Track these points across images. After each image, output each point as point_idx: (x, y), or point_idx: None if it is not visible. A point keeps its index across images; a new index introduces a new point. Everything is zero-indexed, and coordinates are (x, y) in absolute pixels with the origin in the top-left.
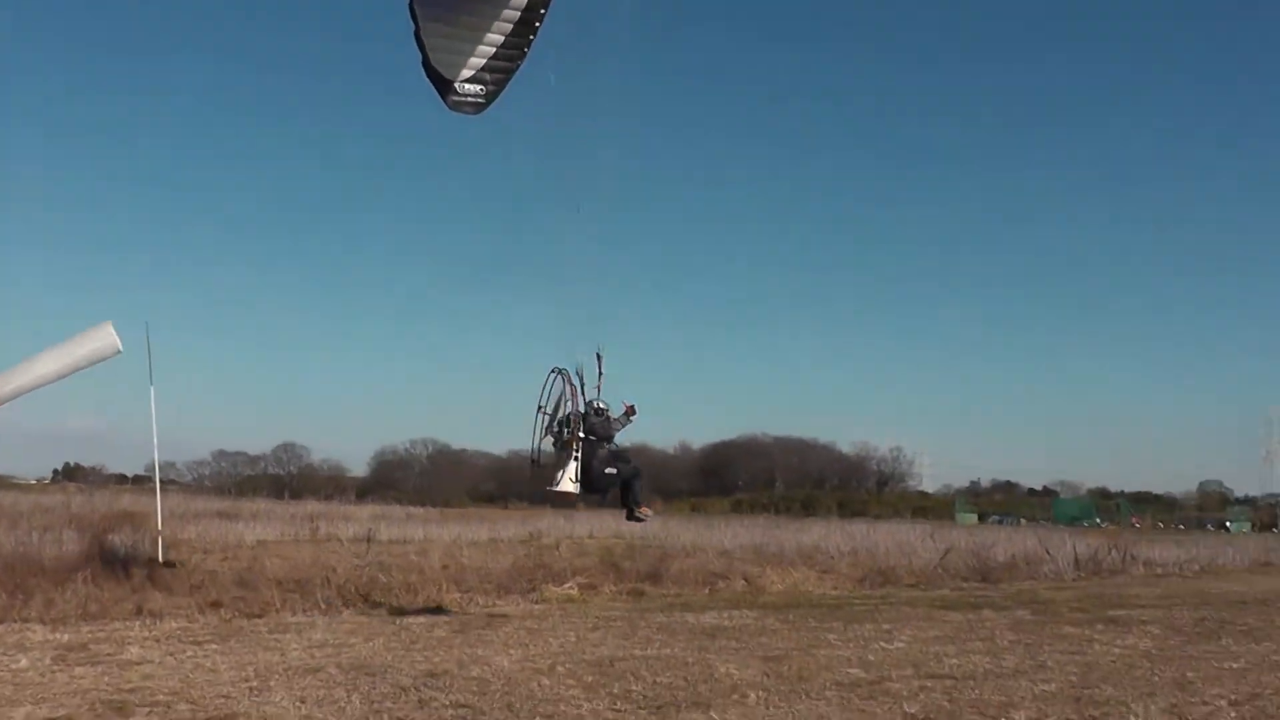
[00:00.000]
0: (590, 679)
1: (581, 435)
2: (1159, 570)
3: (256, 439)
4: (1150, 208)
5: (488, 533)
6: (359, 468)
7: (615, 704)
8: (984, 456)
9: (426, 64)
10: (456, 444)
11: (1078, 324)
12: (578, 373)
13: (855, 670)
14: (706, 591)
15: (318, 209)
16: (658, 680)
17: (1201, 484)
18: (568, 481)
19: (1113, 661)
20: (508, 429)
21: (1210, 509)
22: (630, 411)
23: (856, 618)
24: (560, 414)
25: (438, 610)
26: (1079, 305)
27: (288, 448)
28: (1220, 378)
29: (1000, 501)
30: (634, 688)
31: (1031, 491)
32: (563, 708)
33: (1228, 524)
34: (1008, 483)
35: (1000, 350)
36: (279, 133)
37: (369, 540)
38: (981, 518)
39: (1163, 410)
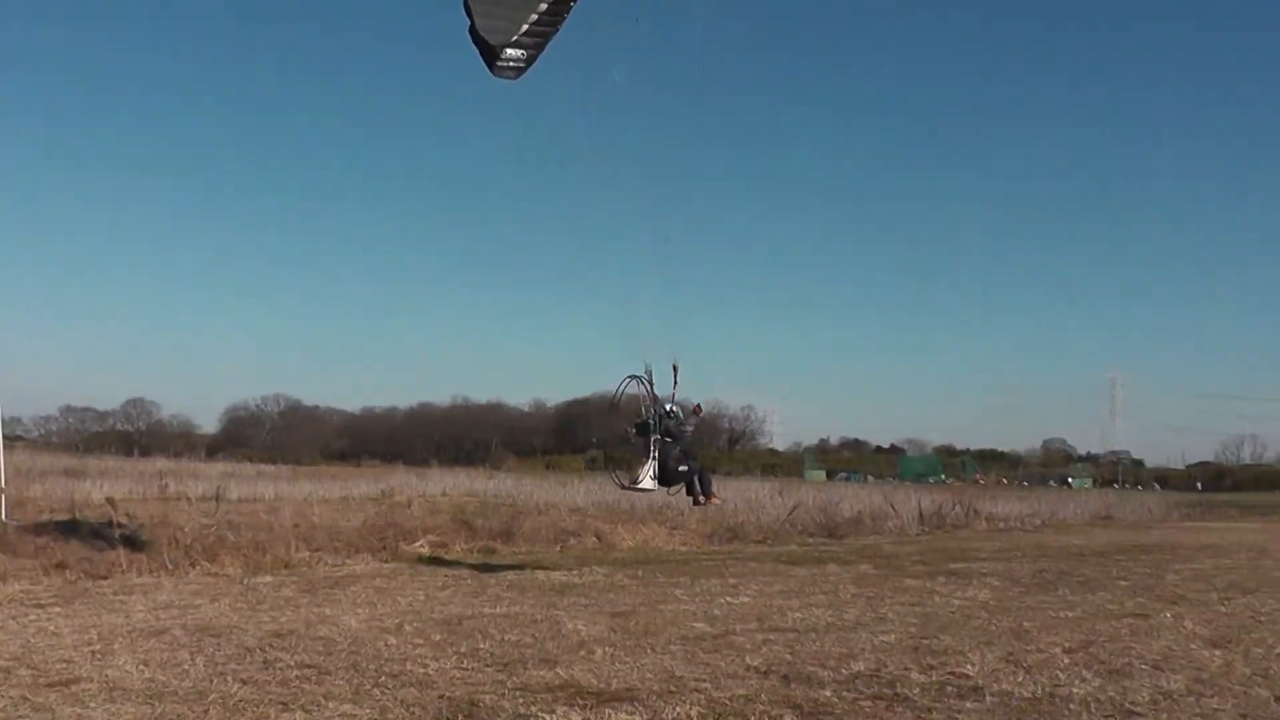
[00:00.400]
0: (438, 638)
1: (658, 437)
2: (1001, 525)
3: (106, 395)
4: (996, 169)
5: (340, 491)
6: (210, 424)
7: (462, 662)
8: (833, 415)
9: (473, 31)
10: (309, 400)
11: (926, 285)
12: (648, 376)
13: (701, 624)
14: (558, 549)
15: (166, 156)
16: (506, 638)
17: (1045, 442)
18: (649, 480)
19: (952, 613)
20: (361, 386)
21: (1054, 466)
22: (696, 411)
23: (704, 573)
24: (641, 419)
25: (287, 570)
26: (927, 266)
27: (137, 403)
28: (1065, 339)
29: (848, 459)
30: (482, 646)
31: (879, 449)
32: (409, 667)
33: (1070, 480)
34: (856, 440)
35: (850, 310)
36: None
37: (218, 499)
38: (830, 475)
39: (1009, 370)
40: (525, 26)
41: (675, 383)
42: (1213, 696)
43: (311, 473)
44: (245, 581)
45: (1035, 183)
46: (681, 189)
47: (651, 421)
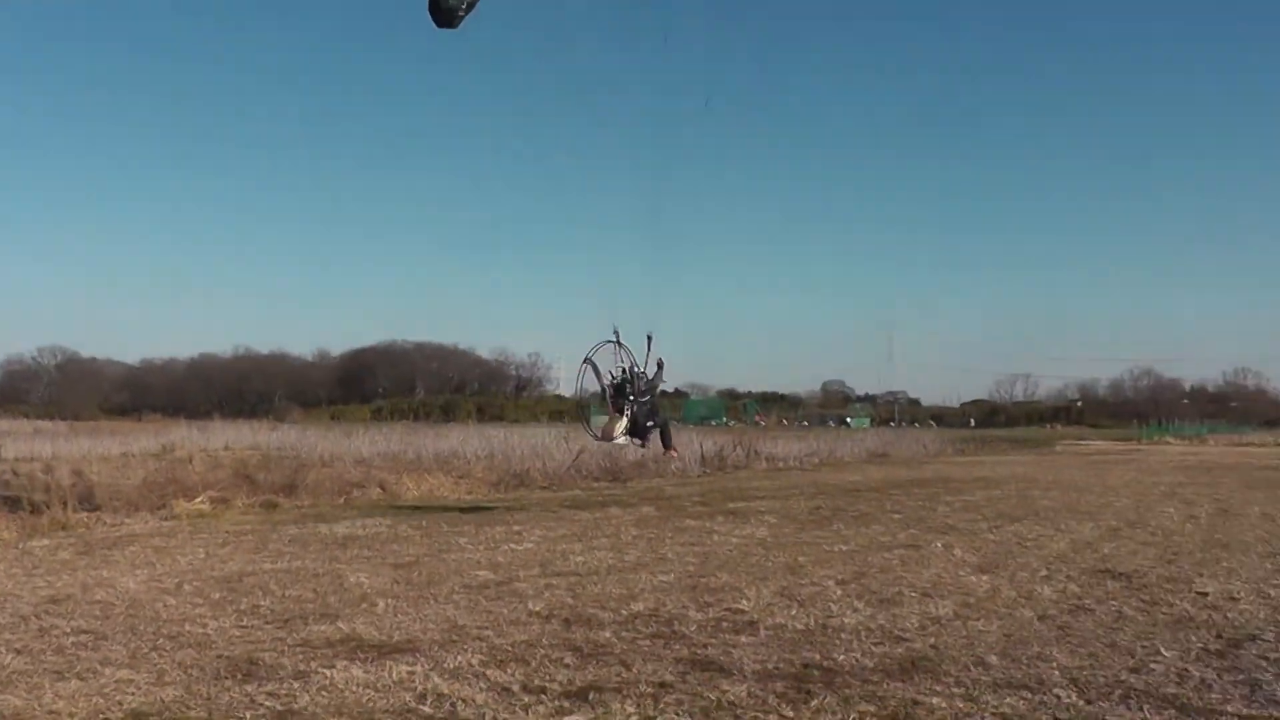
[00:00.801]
0: (218, 596)
1: (631, 398)
2: (780, 465)
3: None
4: (771, 107)
5: (119, 447)
6: None
7: (242, 620)
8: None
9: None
10: (86, 352)
11: (708, 230)
12: (619, 341)
13: (484, 572)
14: (341, 501)
15: None
16: (287, 594)
17: (825, 383)
18: (622, 435)
19: (730, 551)
20: (140, 336)
21: (833, 406)
22: (660, 366)
23: (488, 521)
24: (614, 380)
25: (64, 531)
26: (706, 211)
27: None
28: (844, 282)
29: None
30: (262, 603)
31: (664, 393)
32: (188, 627)
33: (848, 420)
34: None
35: (632, 257)
36: None
37: None
38: None
39: (789, 313)
40: None
41: (649, 349)
42: (979, 619)
43: (91, 428)
44: (20, 546)
45: (813, 125)
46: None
47: (625, 385)
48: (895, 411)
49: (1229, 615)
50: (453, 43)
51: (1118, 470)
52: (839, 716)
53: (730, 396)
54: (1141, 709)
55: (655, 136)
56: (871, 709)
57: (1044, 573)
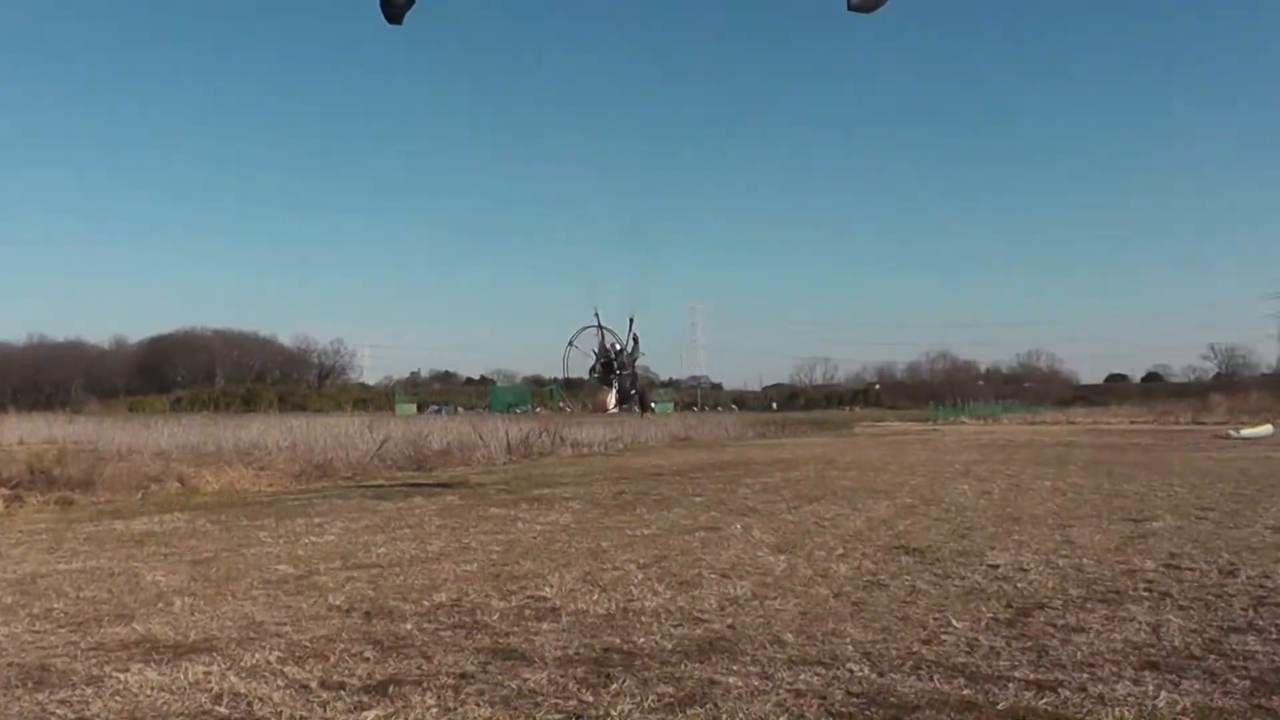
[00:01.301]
0: (9, 600)
1: (617, 370)
2: (585, 450)
3: None
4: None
5: None
6: None
7: (35, 624)
8: (425, 348)
9: None
10: None
11: (509, 213)
12: (601, 324)
13: (284, 566)
14: (139, 496)
15: None
16: (81, 595)
17: None
18: (612, 404)
19: (534, 538)
20: None
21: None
22: (636, 341)
23: (289, 513)
24: (603, 359)
25: None
26: (510, 191)
27: None
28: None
29: (439, 391)
30: (56, 605)
31: (470, 380)
32: None
33: (653, 405)
34: (447, 373)
35: (439, 243)
36: None
37: None
38: (421, 408)
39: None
40: None
41: (630, 328)
42: (776, 598)
43: None
44: None
45: (620, 112)
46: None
47: (612, 355)
48: (698, 396)
49: (1019, 586)
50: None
51: (914, 450)
52: (637, 699)
53: (537, 383)
54: (932, 679)
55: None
56: (669, 690)
57: (840, 551)
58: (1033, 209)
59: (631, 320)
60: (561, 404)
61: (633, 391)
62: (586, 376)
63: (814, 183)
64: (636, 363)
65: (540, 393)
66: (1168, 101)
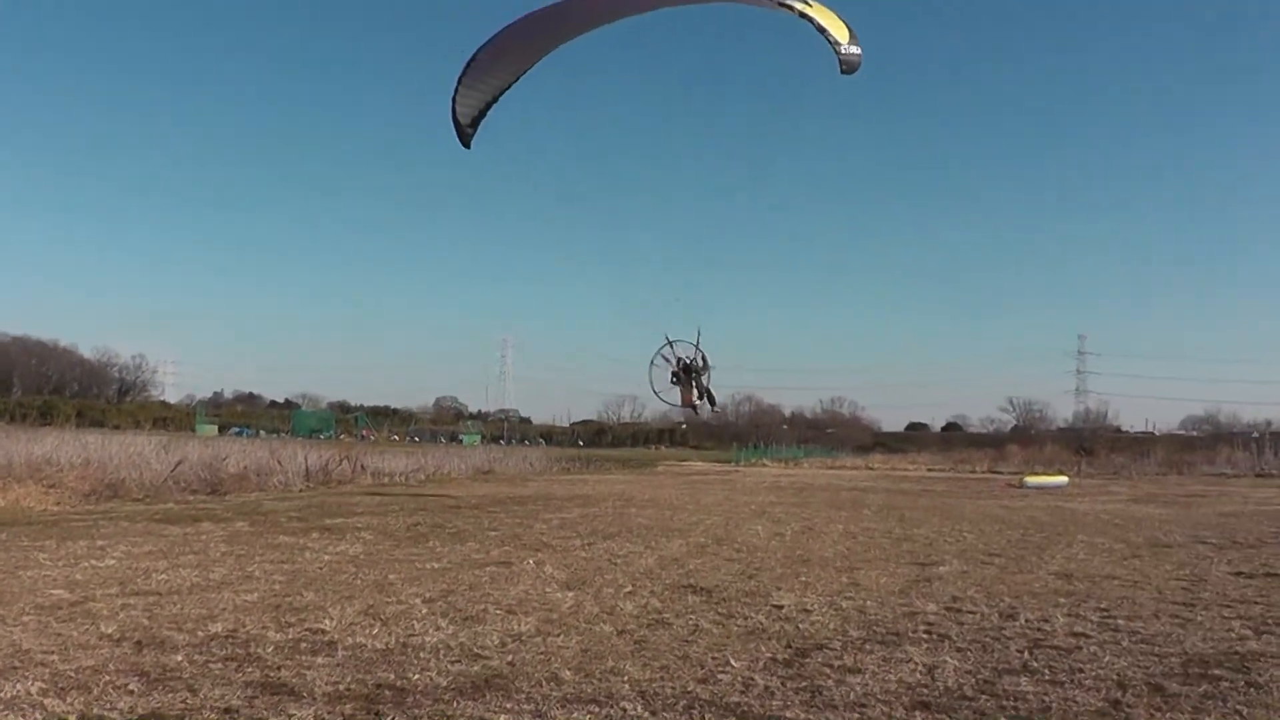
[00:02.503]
0: None
1: (695, 375)
2: (386, 480)
3: None
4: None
5: None
6: None
7: None
8: (232, 367)
9: (455, 115)
10: None
11: (319, 237)
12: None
13: (60, 591)
14: None
15: None
16: None
17: (438, 399)
18: (696, 397)
19: (320, 568)
20: None
21: (445, 423)
22: (702, 353)
23: (73, 534)
24: (683, 364)
25: None
26: (323, 217)
27: None
28: (461, 300)
29: (242, 413)
30: None
31: (274, 404)
32: None
33: (460, 436)
34: (251, 394)
35: (247, 263)
36: None
37: None
38: (223, 429)
39: (402, 329)
40: (480, 110)
41: (698, 338)
42: (559, 635)
43: None
44: None
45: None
46: None
47: (690, 365)
48: (505, 429)
49: (800, 626)
50: None
51: (714, 490)
52: None
53: (342, 409)
54: (703, 717)
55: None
56: None
57: (629, 588)
58: (840, 261)
59: (699, 332)
60: (365, 432)
61: (708, 389)
62: (669, 382)
63: (625, 220)
64: (706, 370)
65: (345, 419)
66: (968, 161)
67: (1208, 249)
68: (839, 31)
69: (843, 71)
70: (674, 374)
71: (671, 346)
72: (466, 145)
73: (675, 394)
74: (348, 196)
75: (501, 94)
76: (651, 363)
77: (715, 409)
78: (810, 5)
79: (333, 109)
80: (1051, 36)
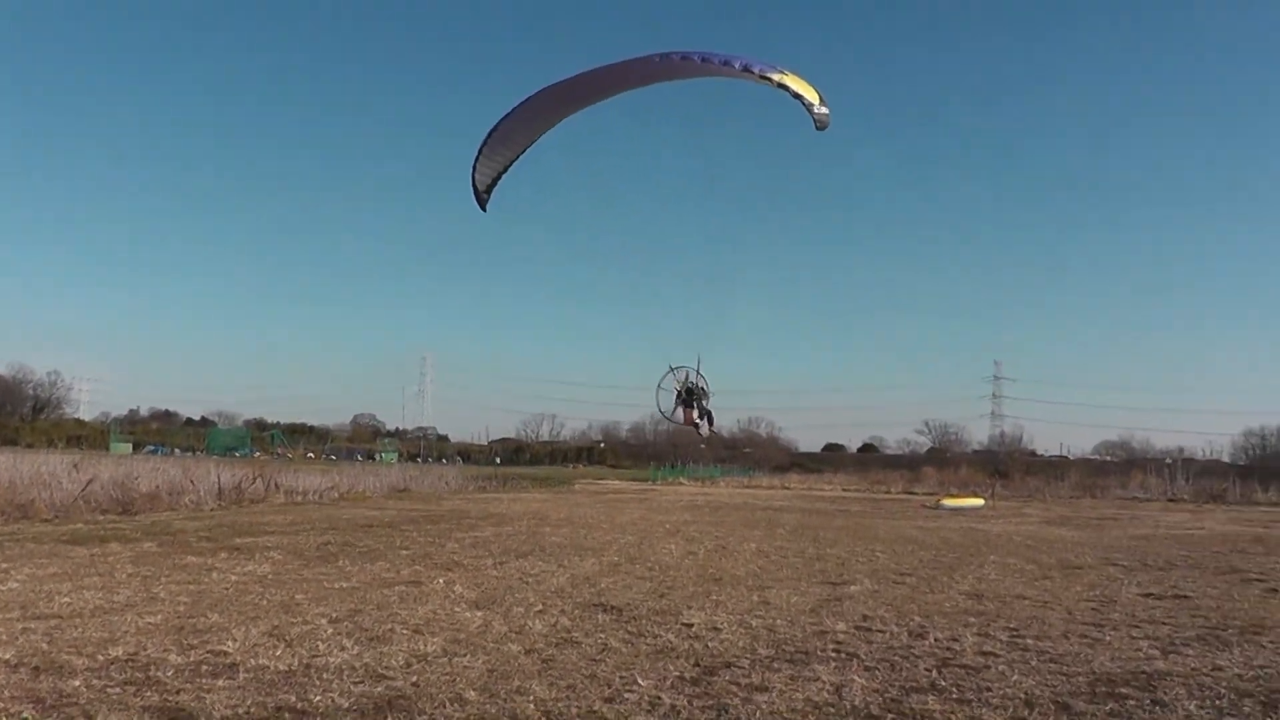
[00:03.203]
0: None
1: (696, 400)
2: (299, 498)
3: None
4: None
5: None
6: None
7: None
8: (148, 384)
9: (474, 181)
10: None
11: (239, 254)
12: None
13: None
14: None
15: None
16: None
17: (356, 417)
18: (696, 416)
19: (227, 589)
20: None
21: (362, 440)
22: (703, 377)
23: None
24: (684, 387)
25: None
26: (246, 236)
27: None
28: (385, 318)
29: (158, 430)
30: None
31: (190, 421)
32: None
33: (377, 454)
34: (167, 412)
35: (164, 280)
36: None
37: None
38: (137, 447)
39: (321, 346)
40: (497, 175)
41: (699, 364)
42: (465, 655)
43: None
44: None
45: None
46: None
47: (693, 389)
48: (422, 447)
49: (710, 645)
50: None
51: (629, 509)
52: None
53: (258, 427)
54: None
55: None
56: None
57: (539, 607)
58: (758, 284)
59: (699, 359)
60: (280, 449)
61: (709, 411)
62: (673, 405)
63: (542, 237)
64: (707, 393)
65: (261, 437)
66: (887, 187)
67: (1126, 278)
68: (811, 95)
69: (817, 128)
70: (678, 395)
71: (674, 373)
72: (483, 209)
73: (680, 414)
74: (266, 213)
75: (513, 162)
76: (659, 386)
77: (713, 429)
78: (785, 75)
79: (251, 128)
80: (968, 58)
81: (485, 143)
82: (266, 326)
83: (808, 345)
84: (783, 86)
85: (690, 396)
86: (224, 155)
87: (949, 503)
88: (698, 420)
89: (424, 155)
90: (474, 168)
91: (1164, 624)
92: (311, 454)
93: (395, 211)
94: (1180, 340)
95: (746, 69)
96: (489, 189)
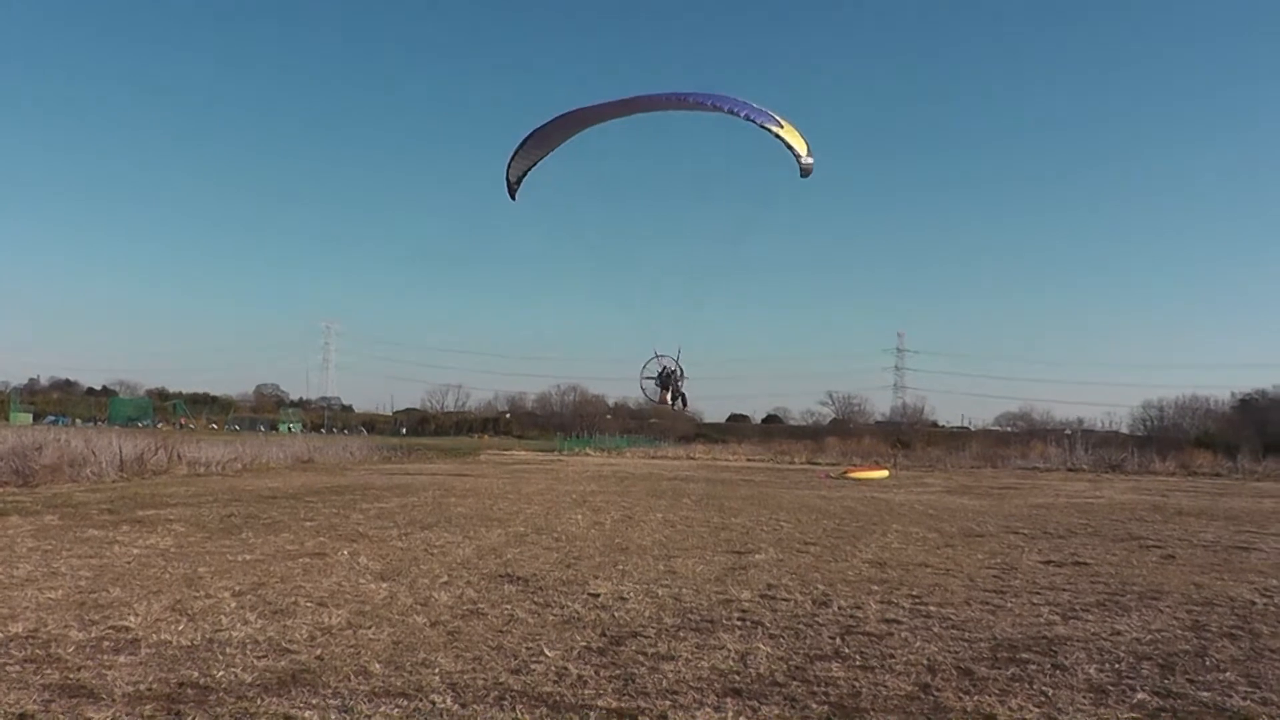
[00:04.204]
0: None
1: (673, 383)
2: (201, 470)
3: None
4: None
5: None
6: None
7: None
8: (48, 353)
9: (509, 174)
10: None
11: (150, 226)
12: (659, 353)
13: None
14: None
15: None
16: None
17: (259, 387)
18: (670, 399)
19: (129, 562)
20: None
21: (265, 411)
22: (680, 366)
23: None
24: (663, 372)
25: None
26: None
27: None
28: (288, 285)
29: (58, 400)
30: None
31: (91, 391)
32: None
33: (280, 425)
34: (68, 381)
35: (69, 246)
36: None
37: None
38: (37, 418)
39: (223, 313)
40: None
41: (679, 355)
42: (370, 628)
43: None
44: None
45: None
46: None
47: (668, 373)
48: (326, 418)
49: (616, 614)
50: None
51: (535, 479)
52: None
53: (160, 396)
54: (515, 709)
55: None
56: None
57: (445, 579)
58: (664, 253)
59: (679, 350)
60: (183, 420)
61: (682, 393)
62: (655, 386)
63: (453, 209)
64: (681, 377)
65: (163, 407)
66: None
67: (1027, 253)
68: (800, 147)
69: (801, 175)
70: (658, 379)
71: (657, 359)
72: (513, 198)
73: (656, 394)
74: (169, 177)
75: (540, 161)
76: (643, 370)
77: (684, 408)
78: (782, 126)
79: (148, 87)
80: (874, 37)
81: (523, 144)
82: (169, 294)
83: (713, 316)
84: (779, 138)
85: (668, 380)
86: (125, 111)
87: (855, 475)
88: (671, 400)
89: (328, 113)
90: (510, 163)
91: (1064, 590)
92: (215, 424)
93: (298, 172)
94: (1081, 315)
95: (748, 118)
96: (519, 181)
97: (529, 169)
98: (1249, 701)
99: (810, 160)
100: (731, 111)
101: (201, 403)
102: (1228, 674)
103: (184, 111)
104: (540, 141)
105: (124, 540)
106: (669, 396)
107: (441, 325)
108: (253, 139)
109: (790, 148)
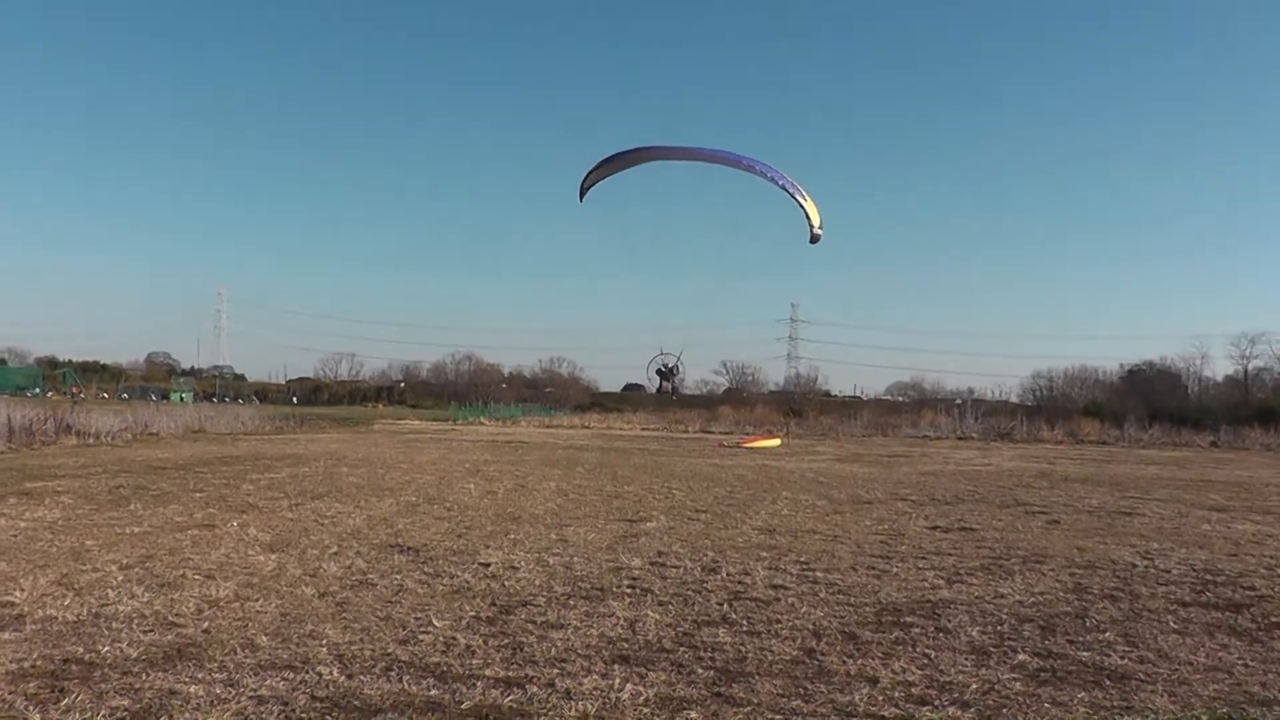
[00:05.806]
0: None
1: (671, 376)
2: (91, 440)
3: None
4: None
5: None
6: None
7: None
8: None
9: (585, 182)
10: None
11: (38, 187)
12: (663, 351)
13: None
14: None
15: None
16: None
17: (150, 355)
18: (666, 390)
19: (15, 536)
20: None
21: (156, 379)
22: (680, 361)
23: None
24: (662, 367)
25: None
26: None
27: None
28: (168, 250)
29: None
30: None
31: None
32: None
33: (172, 394)
34: None
35: None
36: None
37: None
38: None
39: (113, 280)
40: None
41: (679, 354)
42: (258, 600)
43: None
44: None
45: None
46: None
47: (669, 367)
48: (218, 386)
49: (506, 584)
50: None
51: (429, 449)
52: (89, 714)
53: (50, 365)
54: (402, 680)
55: None
56: (126, 703)
57: (334, 549)
58: (563, 224)
59: (680, 352)
60: (73, 388)
61: (679, 384)
62: (655, 375)
63: (348, 179)
64: (679, 372)
65: (53, 375)
66: (694, 133)
67: (918, 223)
68: (815, 218)
69: (811, 242)
70: (657, 371)
71: (662, 355)
72: (580, 201)
73: (657, 382)
74: (54, 136)
75: (608, 177)
76: (649, 363)
77: (675, 395)
78: (807, 199)
79: (28, 40)
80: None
81: (602, 163)
82: (57, 257)
83: (608, 285)
84: (801, 208)
85: (667, 371)
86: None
87: (749, 445)
88: (672, 392)
89: (225, 74)
90: (588, 175)
91: (949, 555)
92: (105, 393)
93: (191, 133)
94: (972, 284)
95: (781, 185)
96: (589, 188)
97: (599, 181)
98: (1126, 660)
99: (820, 232)
100: (772, 180)
101: (92, 371)
102: (1107, 634)
103: (69, 69)
104: (613, 165)
105: (10, 513)
106: (669, 387)
107: (335, 293)
108: (139, 97)
109: (808, 218)
